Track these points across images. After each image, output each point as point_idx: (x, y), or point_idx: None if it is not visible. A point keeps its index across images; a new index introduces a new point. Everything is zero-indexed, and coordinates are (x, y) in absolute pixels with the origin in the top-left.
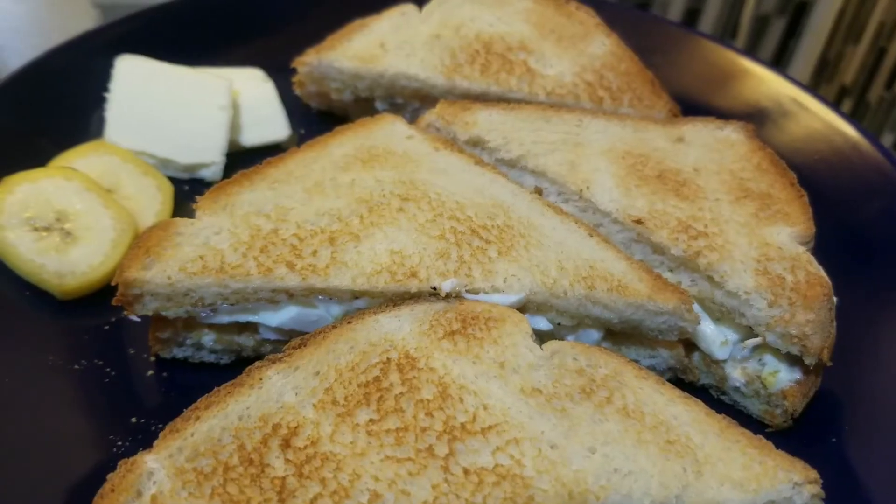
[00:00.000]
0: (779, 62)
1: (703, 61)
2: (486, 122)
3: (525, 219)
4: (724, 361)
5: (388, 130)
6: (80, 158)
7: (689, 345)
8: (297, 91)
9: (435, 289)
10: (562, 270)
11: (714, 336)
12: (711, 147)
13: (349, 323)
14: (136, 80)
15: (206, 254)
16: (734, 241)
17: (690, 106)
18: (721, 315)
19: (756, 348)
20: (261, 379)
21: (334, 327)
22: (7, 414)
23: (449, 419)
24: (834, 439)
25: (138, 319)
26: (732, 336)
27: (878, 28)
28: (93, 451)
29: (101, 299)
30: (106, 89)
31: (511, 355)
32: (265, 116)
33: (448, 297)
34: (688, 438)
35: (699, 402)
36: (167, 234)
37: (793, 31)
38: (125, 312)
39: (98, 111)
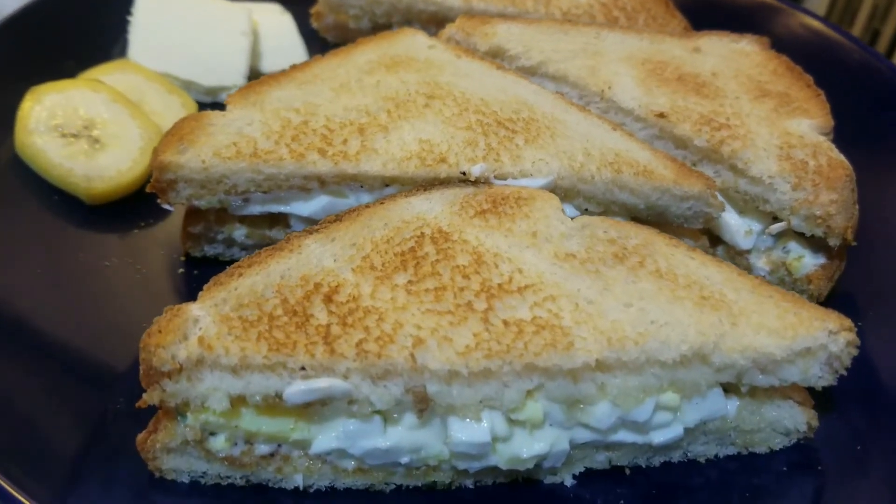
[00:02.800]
0: None
1: None
2: (505, 34)
3: (549, 114)
4: (749, 251)
5: (410, 41)
6: (106, 75)
7: (713, 239)
8: (315, 24)
9: (464, 173)
10: (588, 156)
11: (738, 226)
12: (728, 56)
13: (381, 203)
14: (158, 3)
15: (239, 141)
16: (756, 131)
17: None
18: (745, 205)
19: (780, 235)
20: (300, 246)
21: (367, 206)
22: (42, 306)
23: (485, 281)
24: (860, 323)
25: (171, 208)
26: (756, 226)
27: (871, 10)
28: (126, 342)
29: (129, 206)
30: (129, 13)
31: (543, 227)
32: (284, 45)
33: (477, 181)
34: (722, 295)
35: (731, 264)
36: (200, 123)
37: None
38: (159, 200)
39: (122, 35)
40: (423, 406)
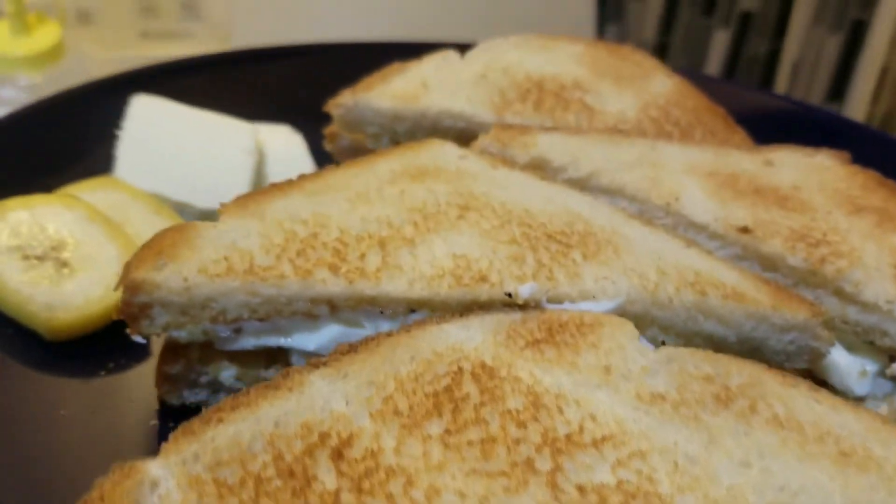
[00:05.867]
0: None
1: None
2: (547, 144)
3: (608, 228)
4: (864, 398)
5: (438, 151)
6: (86, 192)
7: (816, 383)
8: (328, 147)
9: (510, 295)
10: (663, 275)
11: (850, 366)
12: (806, 170)
13: (407, 332)
14: (151, 118)
15: (231, 255)
16: (861, 247)
17: None
18: (856, 339)
19: None
20: (302, 383)
21: (389, 335)
22: None
23: (548, 431)
24: None
25: (143, 341)
26: (872, 366)
27: None
28: None
29: (97, 342)
30: (119, 127)
31: (617, 360)
32: (293, 168)
33: (526, 305)
34: (866, 450)
35: (869, 409)
36: (184, 235)
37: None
38: (128, 331)
39: (109, 150)
40: None
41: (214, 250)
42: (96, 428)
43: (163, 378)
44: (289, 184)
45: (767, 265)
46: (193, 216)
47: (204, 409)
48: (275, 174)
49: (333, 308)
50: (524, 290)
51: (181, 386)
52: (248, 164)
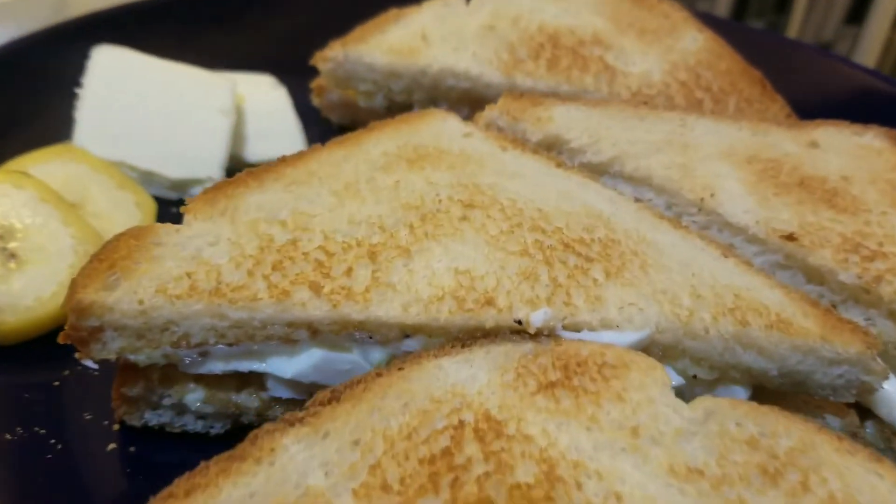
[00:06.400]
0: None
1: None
2: (564, 118)
3: (634, 232)
4: None
5: (439, 127)
6: (40, 164)
7: (861, 411)
8: (316, 100)
9: (520, 322)
10: (698, 299)
11: None
12: (854, 154)
13: (400, 370)
14: (115, 74)
15: (195, 270)
16: None
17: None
18: None
19: None
20: (272, 450)
21: (378, 375)
22: None
23: None
24: None
25: (95, 367)
26: None
27: None
28: None
29: (49, 347)
30: (78, 84)
31: (646, 417)
32: (275, 128)
33: (538, 334)
34: None
35: None
36: (142, 243)
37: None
38: (77, 355)
39: (67, 111)
40: None
41: (176, 263)
42: (46, 454)
43: (121, 399)
44: (266, 170)
45: (814, 278)
46: (164, 187)
47: (170, 431)
48: (255, 134)
49: (315, 333)
50: (537, 318)
51: (142, 407)
52: (225, 126)
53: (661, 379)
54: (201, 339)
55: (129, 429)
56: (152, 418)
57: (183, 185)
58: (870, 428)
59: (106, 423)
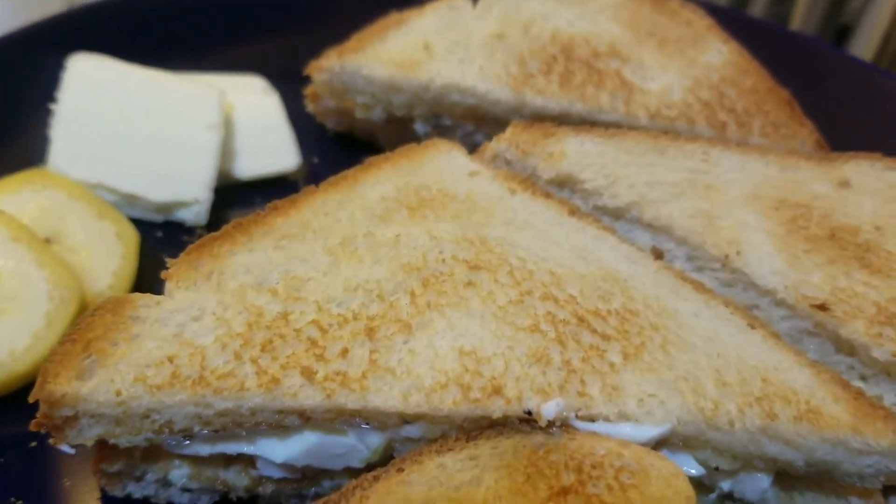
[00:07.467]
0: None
1: (847, 83)
2: (577, 154)
3: (653, 300)
4: None
5: (442, 163)
6: (11, 194)
7: (886, 487)
8: (310, 107)
9: (530, 413)
10: (723, 387)
11: None
12: (886, 195)
13: (399, 471)
14: (94, 86)
15: (178, 353)
16: None
17: (834, 137)
18: None
19: None
20: None
21: (376, 479)
22: None
23: None
24: None
25: (72, 451)
26: None
27: None
28: None
29: (26, 403)
30: (53, 99)
31: None
32: (267, 140)
33: (550, 426)
34: None
35: None
36: (119, 319)
37: None
38: (51, 441)
39: (41, 128)
40: None
41: (157, 345)
42: None
43: (101, 473)
44: (255, 221)
45: (844, 348)
46: (148, 210)
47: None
48: (245, 148)
49: (308, 419)
50: (549, 410)
51: (124, 480)
52: (213, 142)
53: (685, 492)
54: (185, 426)
55: (113, 497)
56: (136, 490)
57: (168, 208)
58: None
59: (87, 489)
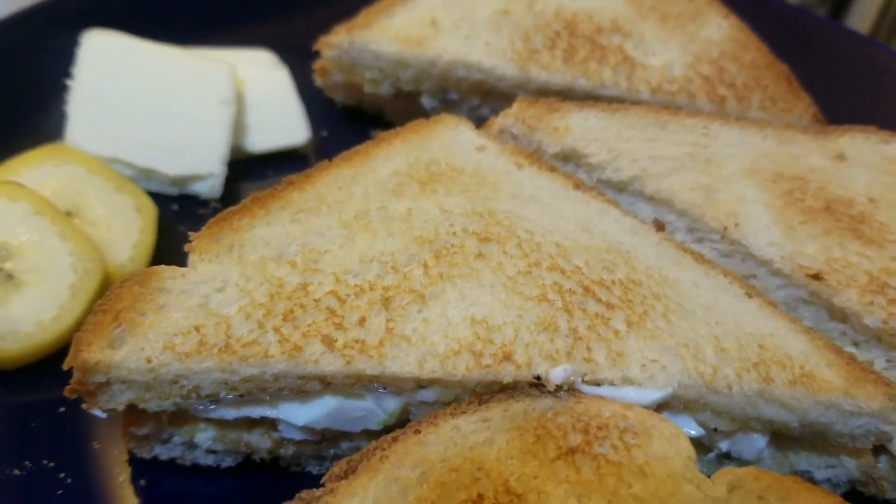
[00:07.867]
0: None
1: (844, 57)
2: (582, 129)
3: (655, 270)
4: None
5: (450, 138)
6: (32, 168)
7: (876, 447)
8: (319, 81)
9: (539, 378)
10: (722, 353)
11: None
12: (881, 168)
13: (416, 433)
14: (108, 62)
15: (204, 323)
16: None
17: (831, 111)
18: None
19: None
20: None
21: (395, 440)
22: None
23: None
24: None
25: (103, 415)
26: None
27: None
28: None
29: (54, 370)
30: (69, 75)
31: (668, 494)
32: (278, 114)
33: (558, 390)
34: None
35: None
36: (146, 290)
37: None
38: (84, 406)
39: (58, 104)
40: None
41: (183, 315)
42: (54, 489)
43: (129, 436)
44: (272, 195)
45: (837, 316)
46: (164, 183)
47: (181, 464)
48: (256, 122)
49: (328, 384)
50: (556, 375)
51: (151, 443)
52: (225, 117)
53: (684, 450)
54: (212, 391)
55: (140, 460)
56: (163, 452)
57: (183, 182)
58: (882, 463)
59: (115, 451)
